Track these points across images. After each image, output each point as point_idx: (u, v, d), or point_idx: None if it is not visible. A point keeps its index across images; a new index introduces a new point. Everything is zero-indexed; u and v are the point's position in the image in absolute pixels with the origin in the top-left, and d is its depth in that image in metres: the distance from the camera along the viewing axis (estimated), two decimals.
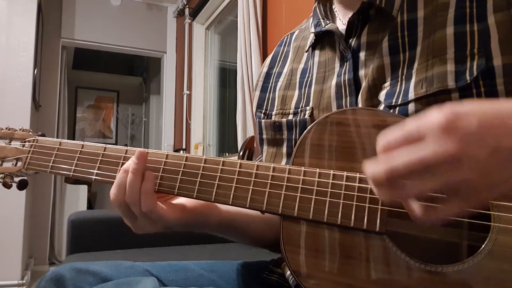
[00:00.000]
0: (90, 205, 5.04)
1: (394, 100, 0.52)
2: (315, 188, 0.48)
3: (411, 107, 0.51)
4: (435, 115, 0.35)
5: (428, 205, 0.37)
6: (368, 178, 0.38)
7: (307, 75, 0.67)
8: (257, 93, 0.73)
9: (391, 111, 0.52)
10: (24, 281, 2.77)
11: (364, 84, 0.57)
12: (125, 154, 0.58)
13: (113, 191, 0.55)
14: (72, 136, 5.33)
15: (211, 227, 0.62)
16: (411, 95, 0.51)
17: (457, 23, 0.50)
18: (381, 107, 0.54)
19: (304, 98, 0.65)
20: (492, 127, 0.34)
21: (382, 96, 0.54)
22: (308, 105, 0.63)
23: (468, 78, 0.47)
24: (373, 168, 0.38)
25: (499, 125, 0.34)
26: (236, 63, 2.50)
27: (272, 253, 0.72)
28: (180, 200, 0.59)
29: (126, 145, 0.60)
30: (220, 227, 0.63)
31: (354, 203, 0.46)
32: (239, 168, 0.52)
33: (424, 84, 0.50)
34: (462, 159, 0.33)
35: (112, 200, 0.55)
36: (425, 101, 0.50)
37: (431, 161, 0.34)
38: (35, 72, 2.98)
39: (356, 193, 0.46)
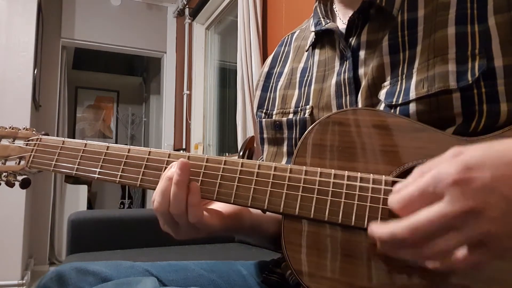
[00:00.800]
0: (90, 205, 5.05)
1: (394, 100, 0.52)
2: (316, 187, 0.48)
3: (412, 106, 0.50)
4: (447, 168, 0.35)
5: (452, 259, 0.37)
6: (384, 239, 0.38)
7: (307, 74, 0.67)
8: (258, 93, 0.73)
9: (392, 110, 0.52)
10: (24, 281, 2.77)
11: (363, 83, 0.57)
12: (128, 153, 0.58)
13: (157, 199, 0.53)
14: (72, 136, 5.33)
15: (244, 230, 0.63)
16: (412, 95, 0.51)
17: (458, 24, 0.50)
18: (381, 106, 0.54)
19: (304, 97, 0.65)
20: (505, 177, 0.35)
21: (382, 95, 0.54)
22: (308, 104, 0.63)
23: (469, 78, 0.47)
24: (390, 227, 0.38)
25: (509, 174, 0.35)
26: (236, 63, 2.50)
27: (272, 252, 0.72)
28: (216, 205, 0.59)
29: (126, 145, 0.60)
30: (253, 230, 0.64)
31: (355, 202, 0.46)
32: (241, 167, 0.53)
33: (425, 83, 0.50)
34: (481, 211, 0.34)
35: (155, 208, 0.54)
36: (427, 101, 0.50)
37: (451, 215, 0.35)
38: (35, 72, 2.98)
39: (357, 192, 0.47)
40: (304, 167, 0.50)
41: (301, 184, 0.49)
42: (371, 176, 0.47)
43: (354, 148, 0.49)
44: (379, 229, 0.39)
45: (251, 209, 0.62)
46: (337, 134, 0.50)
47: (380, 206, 0.45)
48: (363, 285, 0.45)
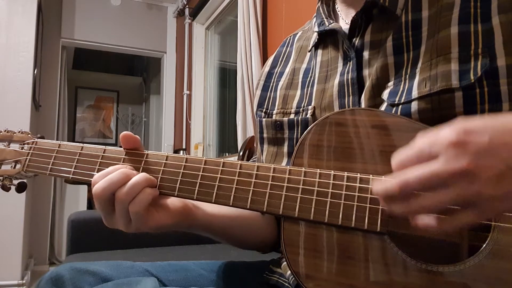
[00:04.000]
0: (90, 205, 5.04)
1: (397, 99, 0.52)
2: (315, 188, 0.48)
3: (414, 105, 0.50)
4: (446, 132, 0.36)
5: (441, 216, 0.38)
6: (379, 194, 0.40)
7: (309, 75, 0.67)
8: (258, 92, 0.73)
9: (394, 109, 0.52)
10: (24, 281, 2.77)
11: (367, 83, 0.57)
12: (125, 156, 0.57)
13: (112, 177, 0.52)
14: (72, 136, 5.33)
15: (195, 228, 0.61)
16: (415, 94, 0.51)
17: (461, 23, 0.50)
18: (384, 105, 0.54)
19: (306, 98, 0.65)
20: (503, 142, 0.35)
21: (385, 94, 0.54)
22: (310, 105, 0.63)
23: (472, 77, 0.47)
24: (384, 183, 0.39)
25: (509, 141, 0.35)
26: (236, 63, 2.50)
27: (273, 252, 0.72)
28: (167, 201, 0.56)
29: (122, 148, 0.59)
30: (207, 229, 0.62)
31: (355, 203, 0.46)
32: (239, 169, 0.52)
33: (427, 82, 0.50)
34: (475, 172, 0.35)
35: (102, 186, 0.51)
36: (428, 100, 0.50)
37: (443, 174, 0.36)
38: (35, 72, 2.98)
39: (357, 194, 0.46)
40: (303, 168, 0.50)
41: (300, 186, 0.49)
42: (371, 177, 0.46)
43: (353, 148, 0.49)
44: (377, 185, 0.40)
45: (209, 208, 0.61)
46: (336, 135, 0.50)
47: (380, 207, 0.45)
48: (364, 286, 0.45)
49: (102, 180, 0.52)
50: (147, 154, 0.57)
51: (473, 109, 0.48)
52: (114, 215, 0.53)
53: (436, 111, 0.49)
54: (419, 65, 0.52)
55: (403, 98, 0.52)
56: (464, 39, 0.49)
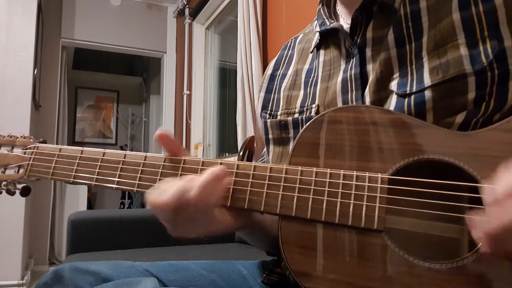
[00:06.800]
0: (90, 205, 5.05)
1: (408, 89, 0.52)
2: (312, 187, 0.48)
3: (427, 93, 0.50)
4: None
5: None
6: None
7: (312, 74, 0.67)
8: (262, 94, 0.74)
9: (406, 100, 0.52)
10: (24, 281, 2.77)
11: (371, 77, 0.57)
12: (124, 158, 0.58)
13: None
14: (72, 136, 5.34)
15: (258, 226, 0.60)
16: (427, 82, 0.51)
17: (462, 9, 0.51)
18: (393, 97, 0.54)
19: (309, 97, 0.65)
20: None
21: (393, 86, 0.54)
22: (314, 103, 0.63)
23: (484, 60, 0.48)
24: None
25: None
26: (236, 63, 2.50)
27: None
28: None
29: (126, 145, 0.60)
30: (263, 228, 0.61)
31: (352, 201, 0.46)
32: (236, 169, 0.52)
33: (439, 70, 0.50)
34: None
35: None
36: (442, 87, 0.50)
37: None
38: (35, 72, 2.98)
39: (353, 192, 0.47)
40: (299, 167, 0.50)
41: (297, 185, 0.49)
42: (367, 174, 0.47)
43: (349, 146, 0.49)
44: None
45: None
46: (331, 133, 0.50)
47: (377, 204, 0.45)
48: (363, 284, 0.45)
49: (172, 189, 0.49)
50: (146, 156, 0.57)
51: (483, 92, 0.48)
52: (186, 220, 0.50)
53: (449, 97, 0.49)
54: (425, 55, 0.52)
55: (414, 87, 0.52)
56: (468, 24, 0.50)
